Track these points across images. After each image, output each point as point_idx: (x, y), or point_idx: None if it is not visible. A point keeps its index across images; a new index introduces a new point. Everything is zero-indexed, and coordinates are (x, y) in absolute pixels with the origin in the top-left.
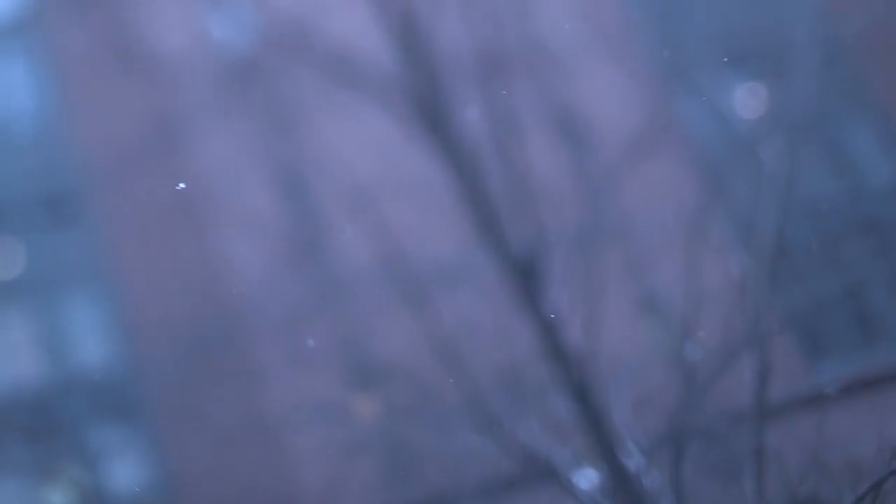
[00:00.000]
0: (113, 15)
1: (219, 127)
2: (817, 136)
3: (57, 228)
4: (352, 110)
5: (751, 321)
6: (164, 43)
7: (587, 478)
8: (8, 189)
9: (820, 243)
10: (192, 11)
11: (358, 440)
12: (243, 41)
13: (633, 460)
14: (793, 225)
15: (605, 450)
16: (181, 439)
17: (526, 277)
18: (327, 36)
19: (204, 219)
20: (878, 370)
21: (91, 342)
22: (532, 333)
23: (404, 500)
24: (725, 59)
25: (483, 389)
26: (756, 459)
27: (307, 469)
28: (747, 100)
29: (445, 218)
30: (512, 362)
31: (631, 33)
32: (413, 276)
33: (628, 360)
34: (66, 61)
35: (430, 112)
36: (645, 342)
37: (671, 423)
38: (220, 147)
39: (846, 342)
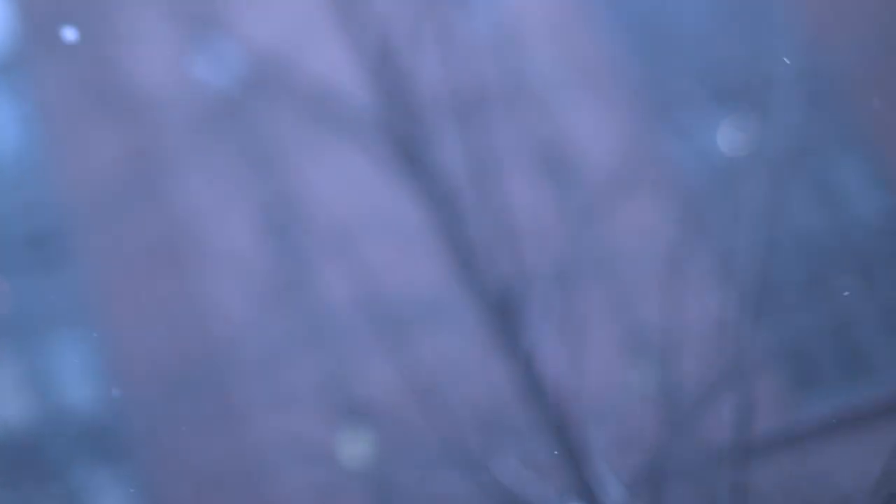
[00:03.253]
0: (96, 55)
1: (201, 166)
2: (803, 169)
3: (42, 269)
4: (331, 149)
5: (733, 357)
6: (147, 83)
7: None
8: None
9: (806, 277)
10: (174, 52)
11: (341, 480)
12: (224, 81)
13: (613, 499)
14: (778, 259)
15: (585, 488)
16: (166, 480)
17: (504, 315)
18: (307, 75)
19: (187, 259)
20: (864, 405)
21: (76, 383)
22: (511, 372)
23: None
24: (709, 95)
25: (463, 428)
26: (738, 496)
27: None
28: (731, 135)
29: (425, 256)
30: (491, 401)
31: (613, 70)
32: (393, 314)
33: (609, 397)
34: (51, 101)
35: (408, 150)
36: (626, 379)
37: (653, 460)
38: (202, 186)
39: (832, 377)
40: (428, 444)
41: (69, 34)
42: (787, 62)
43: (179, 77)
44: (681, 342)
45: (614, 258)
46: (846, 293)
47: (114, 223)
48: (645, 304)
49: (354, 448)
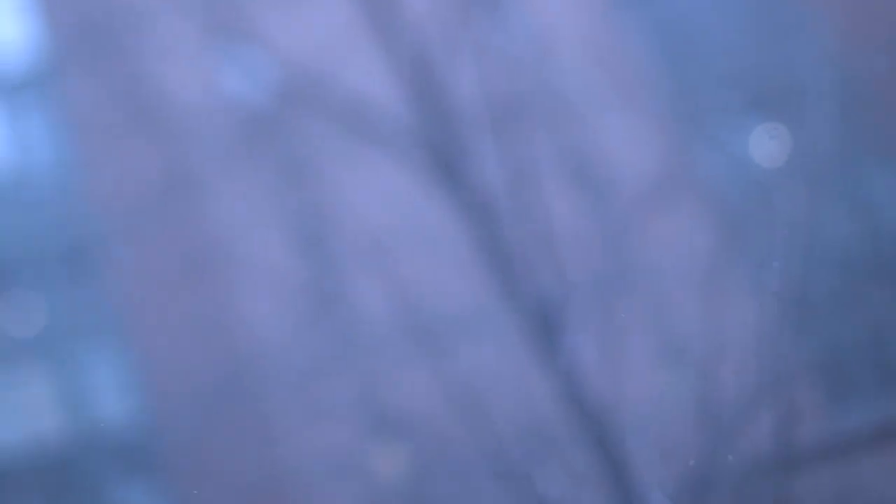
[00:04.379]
0: (128, 68)
1: (235, 180)
2: (837, 179)
3: (74, 283)
4: (367, 161)
5: (772, 367)
6: (180, 96)
7: None
8: (24, 244)
9: (842, 288)
10: (207, 65)
11: (378, 495)
12: (258, 94)
13: None
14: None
15: (627, 501)
16: (200, 495)
17: (543, 326)
18: (341, 86)
19: (221, 273)
20: None
21: (110, 398)
22: (551, 383)
23: None
24: (743, 104)
25: (502, 441)
26: None
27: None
28: (765, 144)
29: (462, 268)
30: (531, 413)
31: (647, 79)
32: (430, 327)
33: (650, 408)
34: (82, 115)
35: (444, 160)
36: (666, 390)
37: (694, 471)
38: (236, 200)
39: (870, 388)
40: (467, 457)
41: (101, 47)
42: (820, 70)
43: (213, 90)
44: (720, 352)
45: (651, 269)
46: (882, 304)
47: (146, 237)
48: (683, 314)
49: (392, 462)
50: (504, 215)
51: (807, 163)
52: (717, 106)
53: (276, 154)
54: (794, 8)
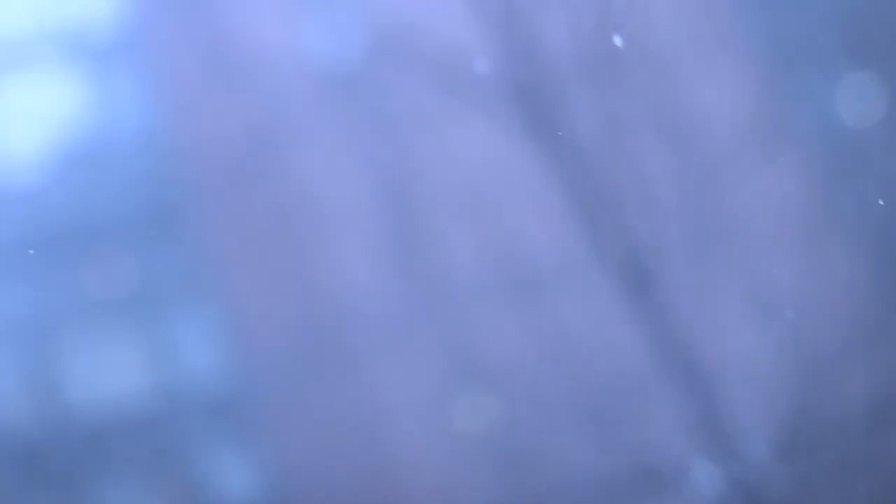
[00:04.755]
0: (214, 26)
1: (322, 135)
2: None
3: (163, 242)
4: (457, 112)
5: (867, 322)
6: (267, 52)
7: (705, 476)
8: (113, 204)
9: None
10: (293, 20)
11: (468, 441)
12: (344, 48)
13: (753, 459)
14: None
15: (723, 449)
16: (290, 447)
17: (635, 276)
18: (429, 39)
19: (308, 227)
20: None
21: (201, 355)
22: (642, 333)
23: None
24: (839, 53)
25: (594, 390)
26: (873, 460)
27: (416, 474)
28: (861, 94)
29: (553, 218)
30: (622, 362)
31: (739, 28)
32: (521, 277)
33: (742, 360)
34: (169, 74)
35: (535, 111)
36: (759, 343)
37: (791, 422)
38: (323, 155)
39: None
40: (557, 406)
41: (186, 7)
42: None
43: (300, 46)
44: (813, 306)
45: (744, 220)
46: None
47: (234, 194)
48: (776, 267)
49: (481, 410)
50: (595, 165)
51: None
52: (813, 56)
53: (365, 107)
54: None
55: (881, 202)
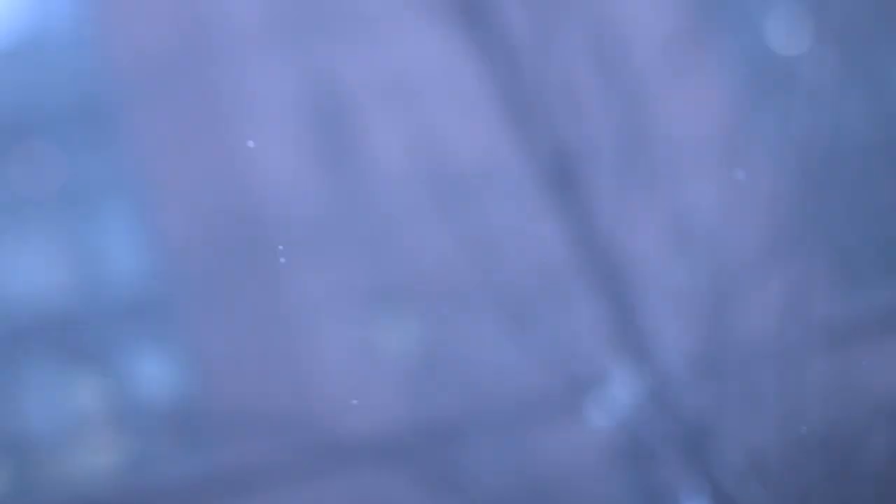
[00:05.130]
0: None
1: (253, 31)
2: (859, 61)
3: (90, 141)
4: (386, 7)
5: (784, 245)
6: None
7: (622, 387)
8: (42, 101)
9: (856, 173)
10: None
11: (387, 346)
12: None
13: (669, 367)
14: (829, 152)
15: (641, 355)
16: (210, 347)
17: (560, 179)
18: None
19: (234, 128)
20: None
21: (123, 254)
22: (567, 238)
23: (431, 414)
24: None
25: (516, 296)
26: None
27: (336, 380)
28: (787, 23)
29: (481, 118)
30: (544, 268)
31: None
32: (447, 177)
33: (662, 271)
34: None
35: (466, 5)
36: (679, 255)
37: (708, 336)
38: (253, 51)
39: (879, 277)
40: (480, 313)
41: None
42: None
43: None
44: (731, 224)
45: (668, 134)
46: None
47: (162, 95)
48: (697, 183)
49: (403, 319)
50: (526, 66)
51: (829, 41)
52: None
53: (298, 3)
54: None
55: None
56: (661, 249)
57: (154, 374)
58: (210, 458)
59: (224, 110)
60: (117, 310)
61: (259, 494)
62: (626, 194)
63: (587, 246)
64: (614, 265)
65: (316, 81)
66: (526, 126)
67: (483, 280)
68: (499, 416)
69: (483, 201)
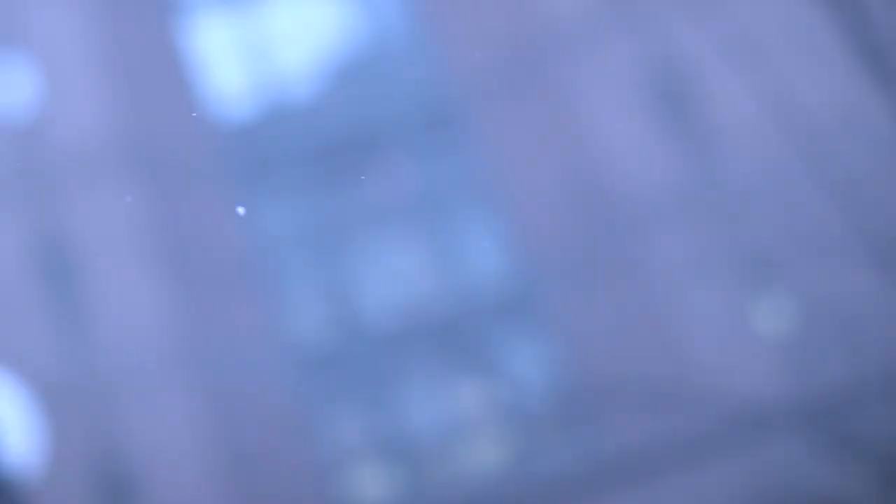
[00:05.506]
0: None
1: (590, 49)
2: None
3: (439, 148)
4: None
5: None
6: None
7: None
8: (388, 113)
9: None
10: None
11: (755, 347)
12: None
13: None
14: None
15: None
16: (576, 344)
17: None
18: None
19: (578, 113)
20: None
21: (485, 260)
22: None
23: (801, 390)
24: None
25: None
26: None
27: (709, 352)
28: None
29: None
30: None
31: None
32: (802, 133)
33: None
34: None
35: None
36: None
37: None
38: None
39: None
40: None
41: None
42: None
43: None
44: None
45: None
46: None
47: (501, 89)
48: None
49: (775, 284)
50: (875, 15)
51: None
52: None
53: (635, 24)
54: None
55: None
56: None
57: (532, 365)
58: (597, 444)
59: (566, 100)
60: (489, 308)
61: (649, 478)
62: None
63: None
64: None
65: (652, 59)
66: (879, 75)
67: (855, 230)
68: (891, 381)
69: (842, 153)
